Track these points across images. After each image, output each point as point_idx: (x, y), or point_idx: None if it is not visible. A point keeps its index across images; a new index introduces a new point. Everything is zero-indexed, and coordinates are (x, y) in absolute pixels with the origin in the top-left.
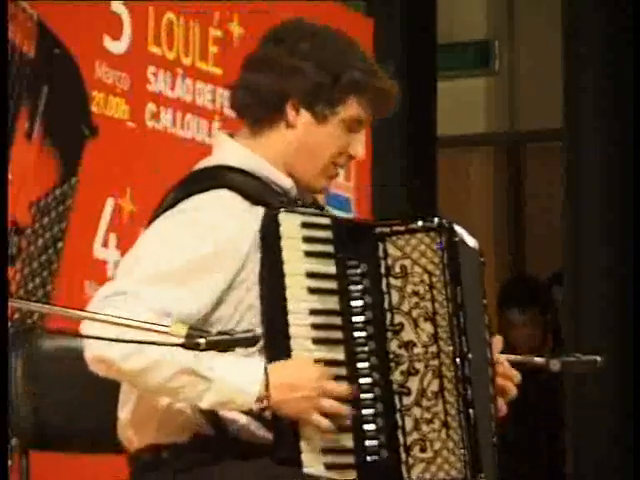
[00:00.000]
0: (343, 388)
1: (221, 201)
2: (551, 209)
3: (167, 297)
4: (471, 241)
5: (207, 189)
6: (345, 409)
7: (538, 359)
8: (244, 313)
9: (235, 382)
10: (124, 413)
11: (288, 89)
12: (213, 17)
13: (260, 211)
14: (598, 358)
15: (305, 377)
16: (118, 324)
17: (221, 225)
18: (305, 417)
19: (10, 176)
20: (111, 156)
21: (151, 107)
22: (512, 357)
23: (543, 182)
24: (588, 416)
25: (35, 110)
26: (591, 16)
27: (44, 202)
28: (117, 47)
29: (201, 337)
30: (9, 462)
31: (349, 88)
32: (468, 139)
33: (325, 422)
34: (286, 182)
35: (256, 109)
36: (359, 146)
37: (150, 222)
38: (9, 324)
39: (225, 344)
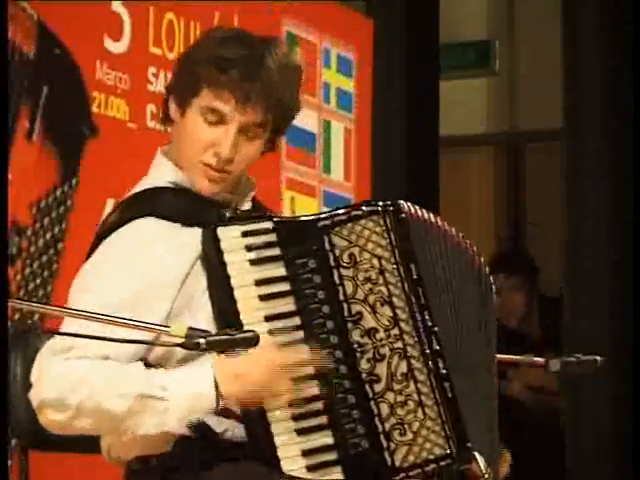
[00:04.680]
0: (292, 358)
1: (142, 232)
2: (551, 209)
3: (108, 348)
4: (453, 239)
5: (128, 221)
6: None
7: (538, 359)
8: None
9: (190, 392)
10: (106, 441)
11: (169, 85)
12: (213, 18)
13: (194, 230)
14: (598, 358)
15: (251, 361)
16: (117, 324)
17: (146, 257)
18: (268, 399)
19: (10, 176)
20: (111, 156)
21: (152, 108)
22: (511, 357)
23: (543, 182)
24: (587, 416)
25: (35, 110)
26: (591, 16)
27: (44, 202)
28: (117, 47)
29: (201, 337)
30: (8, 462)
31: (197, 79)
32: (468, 139)
33: (288, 396)
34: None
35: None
36: (224, 144)
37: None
38: (9, 324)
39: (225, 344)
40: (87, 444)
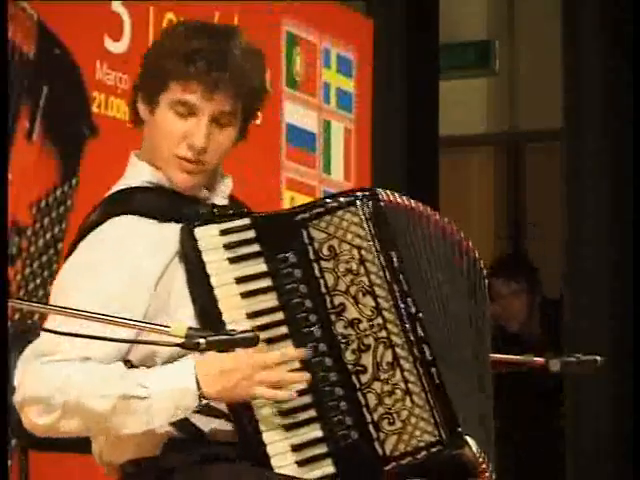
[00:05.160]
0: (274, 355)
1: (119, 230)
2: (551, 209)
3: (84, 341)
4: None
5: (105, 219)
6: (284, 374)
7: (538, 359)
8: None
9: (172, 389)
10: (97, 446)
11: (136, 84)
12: (213, 18)
13: (171, 225)
14: (598, 358)
15: (233, 359)
16: (117, 324)
17: (124, 254)
18: (252, 396)
19: (10, 176)
20: (111, 156)
21: None
22: (512, 357)
23: (543, 182)
24: (587, 416)
25: (35, 110)
26: (591, 16)
27: (44, 202)
28: (117, 47)
29: (201, 337)
30: (8, 462)
31: (164, 74)
32: (468, 139)
33: (272, 392)
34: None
35: (130, 113)
36: (197, 134)
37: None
38: (9, 324)
39: (225, 344)
40: (87, 444)
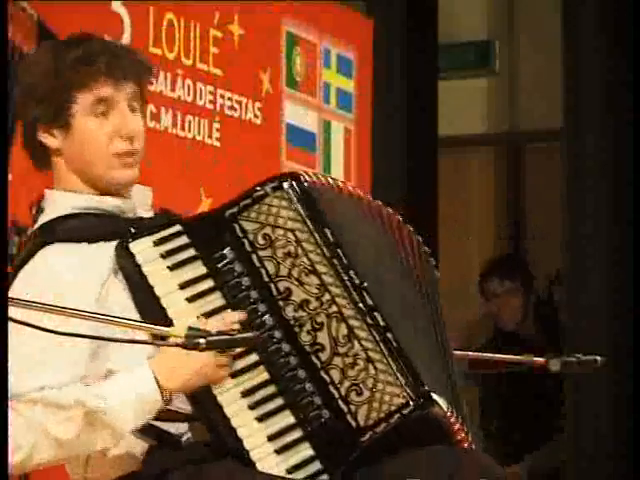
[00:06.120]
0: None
1: (49, 261)
2: (551, 209)
3: (43, 379)
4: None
5: (34, 252)
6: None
7: (538, 359)
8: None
9: (133, 394)
10: (77, 476)
11: (34, 118)
12: (213, 18)
13: (101, 244)
14: (598, 358)
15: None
16: (117, 324)
17: (58, 286)
18: (213, 381)
19: (10, 176)
20: None
21: (151, 108)
22: (512, 357)
23: (543, 182)
24: (587, 416)
25: None
26: (591, 16)
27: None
28: None
29: (201, 337)
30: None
31: (68, 87)
32: (468, 139)
33: (230, 367)
34: (111, 202)
35: (30, 154)
36: (124, 123)
37: None
38: (9, 324)
39: (225, 344)
40: None
